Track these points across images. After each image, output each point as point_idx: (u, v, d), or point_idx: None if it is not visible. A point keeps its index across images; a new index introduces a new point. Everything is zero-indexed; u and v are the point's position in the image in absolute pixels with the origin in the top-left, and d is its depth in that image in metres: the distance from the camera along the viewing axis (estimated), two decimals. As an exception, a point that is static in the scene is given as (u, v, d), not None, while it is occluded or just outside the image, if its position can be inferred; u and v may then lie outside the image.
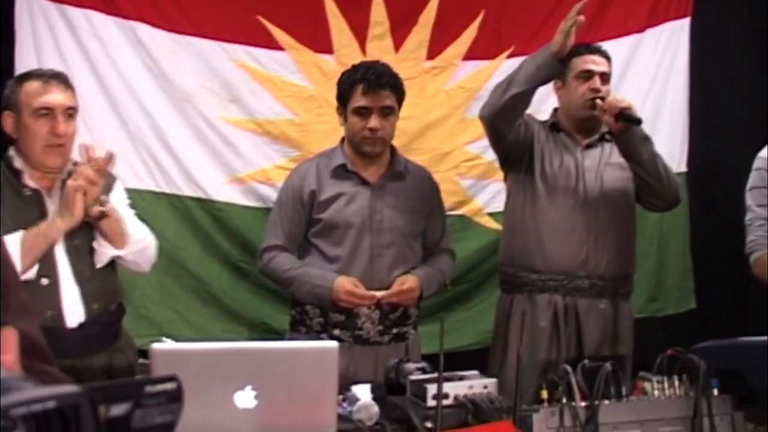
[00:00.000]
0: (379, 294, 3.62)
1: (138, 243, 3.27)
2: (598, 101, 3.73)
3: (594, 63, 3.83)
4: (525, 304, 3.75)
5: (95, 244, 3.18)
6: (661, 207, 4.00)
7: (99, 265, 3.18)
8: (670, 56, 5.43)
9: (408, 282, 3.67)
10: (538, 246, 3.78)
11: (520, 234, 3.85)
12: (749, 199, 3.87)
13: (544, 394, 2.49)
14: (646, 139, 3.73)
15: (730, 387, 2.58)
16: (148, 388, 1.60)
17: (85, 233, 3.16)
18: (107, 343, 3.18)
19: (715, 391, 2.57)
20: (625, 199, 3.87)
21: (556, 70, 3.56)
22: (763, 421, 3.01)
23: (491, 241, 4.75)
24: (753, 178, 3.89)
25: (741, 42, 5.82)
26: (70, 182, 3.01)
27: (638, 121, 3.65)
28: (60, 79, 3.20)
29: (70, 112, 3.18)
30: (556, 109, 4.01)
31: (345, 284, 3.58)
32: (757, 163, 3.91)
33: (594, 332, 3.75)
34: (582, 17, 3.42)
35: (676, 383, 2.61)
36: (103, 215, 3.08)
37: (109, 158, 3.08)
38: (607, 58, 3.91)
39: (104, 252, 3.18)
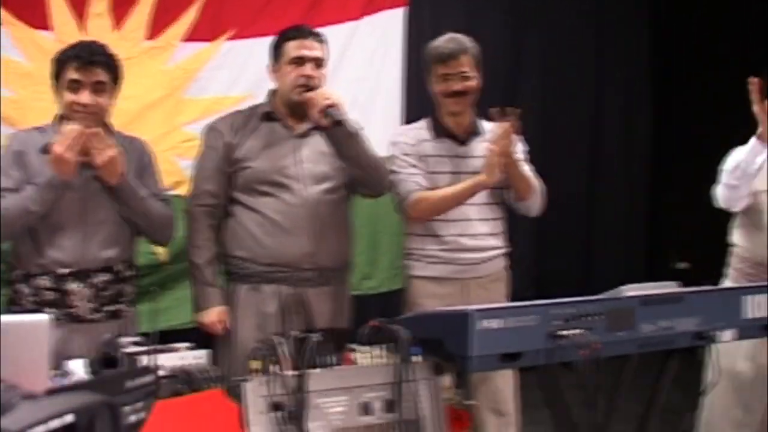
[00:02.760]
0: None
1: None
2: (307, 93, 3.73)
3: (306, 48, 3.80)
4: (250, 293, 3.78)
5: None
6: (372, 196, 4.10)
7: None
8: (386, 44, 5.63)
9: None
10: (264, 238, 3.77)
11: (243, 227, 3.81)
12: (394, 165, 4.08)
13: (256, 364, 2.56)
14: (352, 136, 3.75)
15: (431, 354, 2.73)
16: (128, 383, 1.46)
17: None
18: None
19: (417, 358, 2.72)
20: (341, 188, 3.91)
21: None
22: (461, 385, 3.23)
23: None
24: (394, 150, 4.15)
25: (455, 31, 6.11)
26: None
27: (338, 123, 3.67)
28: None
29: None
30: (274, 92, 3.95)
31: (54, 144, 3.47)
32: (393, 139, 4.22)
33: (324, 316, 3.81)
34: None
35: (381, 352, 2.74)
36: None
37: None
38: (322, 42, 3.88)
39: None
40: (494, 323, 2.57)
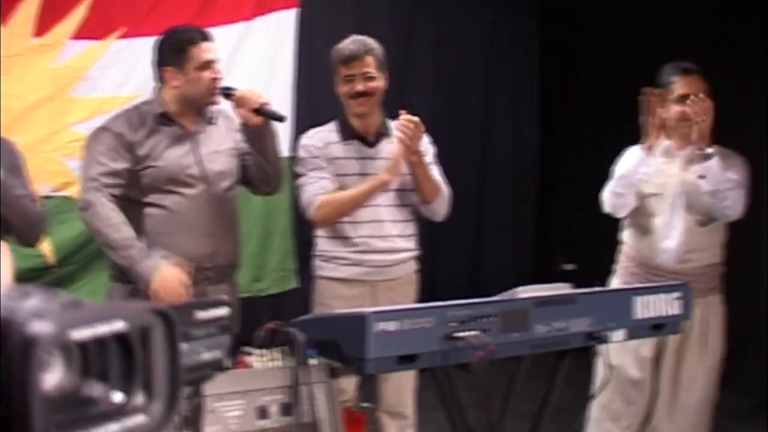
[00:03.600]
0: None
1: None
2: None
3: (211, 51, 3.80)
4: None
5: None
6: (270, 192, 4.13)
7: None
8: (278, 45, 5.62)
9: None
10: (167, 239, 3.71)
11: (149, 227, 3.73)
12: (301, 168, 4.09)
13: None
14: (275, 135, 3.85)
15: (327, 356, 2.73)
16: (199, 314, 1.30)
17: None
18: None
19: (313, 361, 2.71)
20: (235, 185, 3.94)
21: None
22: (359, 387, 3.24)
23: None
24: (301, 152, 4.13)
25: (346, 35, 6.13)
26: None
27: (281, 118, 3.77)
28: None
29: None
30: (160, 90, 3.83)
31: None
32: (301, 142, 4.19)
33: None
34: None
35: (276, 355, 2.73)
36: None
37: None
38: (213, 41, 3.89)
39: None
40: (391, 325, 2.57)
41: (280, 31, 5.61)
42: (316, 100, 5.92)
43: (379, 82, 4.09)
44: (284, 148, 5.38)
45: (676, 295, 3.20)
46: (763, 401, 6.58)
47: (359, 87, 4.05)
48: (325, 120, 4.24)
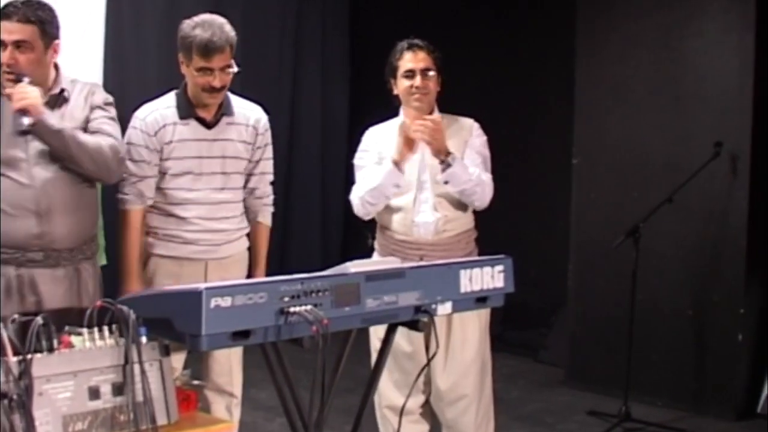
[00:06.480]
0: None
1: None
2: (6, 90, 3.45)
3: (7, 31, 3.45)
4: None
5: None
6: (106, 182, 3.83)
7: None
8: (86, 13, 5.47)
9: None
10: None
11: None
12: (126, 154, 3.88)
13: (-25, 351, 2.43)
14: (54, 133, 3.48)
15: (158, 334, 2.69)
16: None
17: None
18: None
19: (144, 339, 2.67)
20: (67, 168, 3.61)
21: None
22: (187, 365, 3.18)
23: None
24: (128, 135, 3.96)
25: (157, 10, 6.06)
26: None
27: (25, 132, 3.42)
28: None
29: None
30: None
31: None
32: (132, 122, 4.00)
33: (56, 298, 3.55)
34: None
35: (107, 333, 2.67)
36: None
37: None
38: (30, 21, 3.51)
39: None
40: (225, 301, 2.56)
41: (87, 7, 5.46)
42: (125, 71, 5.82)
43: (233, 71, 3.93)
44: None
45: (499, 268, 3.29)
46: (566, 371, 6.87)
47: (216, 83, 3.87)
48: (133, 100, 4.11)
